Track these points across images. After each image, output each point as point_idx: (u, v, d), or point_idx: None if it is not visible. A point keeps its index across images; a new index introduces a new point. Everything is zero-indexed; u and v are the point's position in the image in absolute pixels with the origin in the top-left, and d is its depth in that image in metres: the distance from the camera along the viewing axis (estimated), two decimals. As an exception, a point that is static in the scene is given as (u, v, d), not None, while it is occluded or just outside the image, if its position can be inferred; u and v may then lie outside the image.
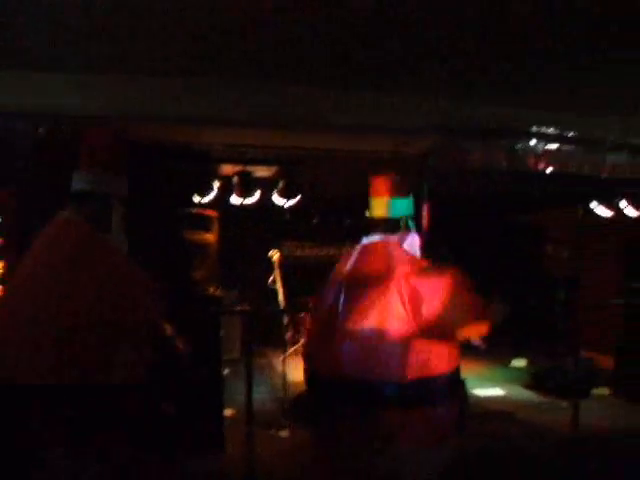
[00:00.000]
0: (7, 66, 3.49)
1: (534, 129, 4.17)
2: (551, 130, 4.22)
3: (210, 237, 5.61)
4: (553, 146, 4.25)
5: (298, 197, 6.00)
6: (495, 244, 8.49)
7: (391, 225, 2.34)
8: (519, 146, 4.06)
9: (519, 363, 7.54)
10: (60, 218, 2.04)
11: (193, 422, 3.89)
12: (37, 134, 3.56)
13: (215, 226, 5.70)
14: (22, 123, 3.54)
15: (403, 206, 2.39)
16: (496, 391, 6.20)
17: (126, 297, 1.94)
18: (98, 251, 1.99)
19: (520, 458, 3.79)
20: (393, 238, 2.31)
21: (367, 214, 2.48)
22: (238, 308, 7.45)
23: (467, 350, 2.51)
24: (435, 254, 2.49)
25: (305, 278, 8.90)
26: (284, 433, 4.82)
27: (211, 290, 5.22)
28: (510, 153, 4.08)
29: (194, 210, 5.59)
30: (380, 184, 2.40)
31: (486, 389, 6.13)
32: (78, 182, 2.07)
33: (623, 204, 6.45)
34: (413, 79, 3.93)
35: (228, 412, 4.91)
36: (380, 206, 2.37)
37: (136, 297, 2.00)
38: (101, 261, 1.95)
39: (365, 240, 2.37)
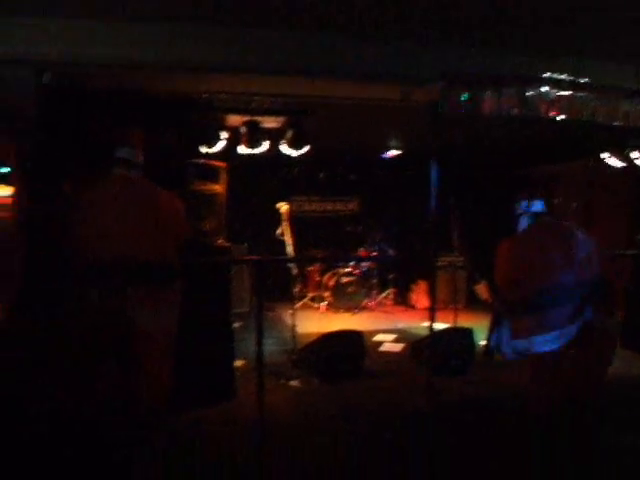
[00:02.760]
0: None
1: (546, 75, 4.07)
2: (564, 77, 4.12)
3: (218, 188, 5.56)
4: (566, 93, 4.15)
5: (307, 148, 5.91)
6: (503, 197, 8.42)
7: None
8: (530, 93, 3.97)
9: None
10: (118, 175, 3.12)
11: (206, 373, 4.00)
12: (40, 82, 3.53)
13: (223, 177, 5.64)
14: (24, 70, 3.50)
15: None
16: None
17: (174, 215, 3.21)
18: (160, 193, 3.17)
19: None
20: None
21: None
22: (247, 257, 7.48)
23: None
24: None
25: (312, 232, 8.93)
26: (294, 383, 4.95)
27: (219, 241, 5.21)
28: (521, 100, 3.99)
29: (201, 161, 5.54)
30: None
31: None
32: (123, 153, 3.13)
33: (635, 155, 6.34)
34: (421, 27, 3.83)
35: (239, 363, 5.02)
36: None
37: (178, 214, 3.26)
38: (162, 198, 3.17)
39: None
